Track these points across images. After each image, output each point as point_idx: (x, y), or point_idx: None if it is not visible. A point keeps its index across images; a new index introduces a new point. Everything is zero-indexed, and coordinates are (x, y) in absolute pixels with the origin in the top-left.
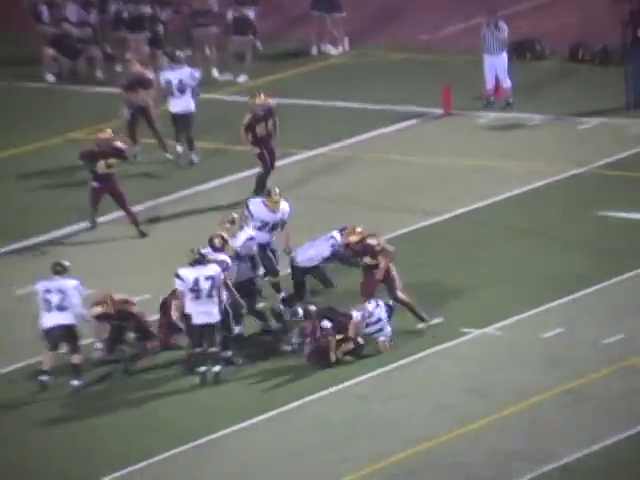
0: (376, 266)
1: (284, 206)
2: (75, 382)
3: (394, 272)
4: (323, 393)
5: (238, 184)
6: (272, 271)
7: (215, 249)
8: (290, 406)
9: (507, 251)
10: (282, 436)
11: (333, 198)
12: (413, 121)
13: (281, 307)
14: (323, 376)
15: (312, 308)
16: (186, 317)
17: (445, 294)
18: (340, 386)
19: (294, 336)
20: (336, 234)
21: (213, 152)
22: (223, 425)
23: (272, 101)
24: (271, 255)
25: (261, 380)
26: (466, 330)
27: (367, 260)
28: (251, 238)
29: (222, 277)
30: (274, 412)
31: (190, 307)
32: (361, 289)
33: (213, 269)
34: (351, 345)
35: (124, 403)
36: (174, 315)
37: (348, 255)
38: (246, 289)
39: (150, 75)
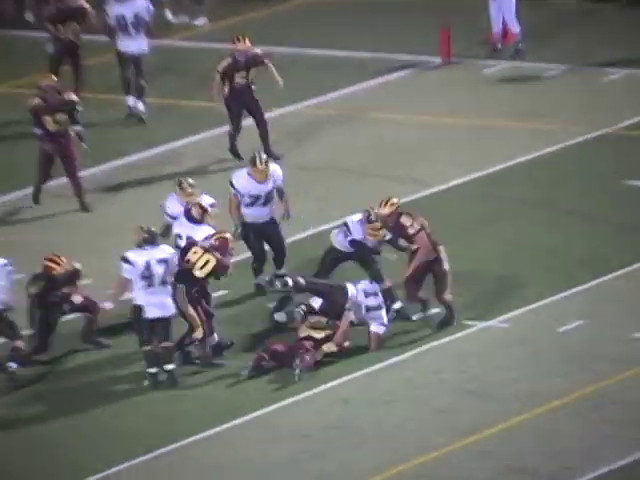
0: (417, 252)
1: (274, 171)
2: (13, 365)
3: (446, 266)
4: (301, 396)
5: (201, 146)
6: (259, 258)
7: (194, 221)
8: (264, 411)
9: (517, 228)
10: (254, 445)
11: (310, 165)
12: (405, 72)
13: (267, 279)
14: (302, 376)
15: (301, 280)
16: (135, 309)
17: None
18: (322, 387)
19: (247, 369)
20: (350, 220)
21: (167, 108)
22: (189, 432)
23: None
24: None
25: (232, 382)
26: (468, 323)
27: (403, 244)
28: (213, 205)
29: (176, 260)
30: (245, 418)
31: (141, 298)
32: (405, 283)
33: (166, 251)
34: (334, 349)
35: (81, 407)
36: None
37: (369, 245)
38: None
39: (86, 4)
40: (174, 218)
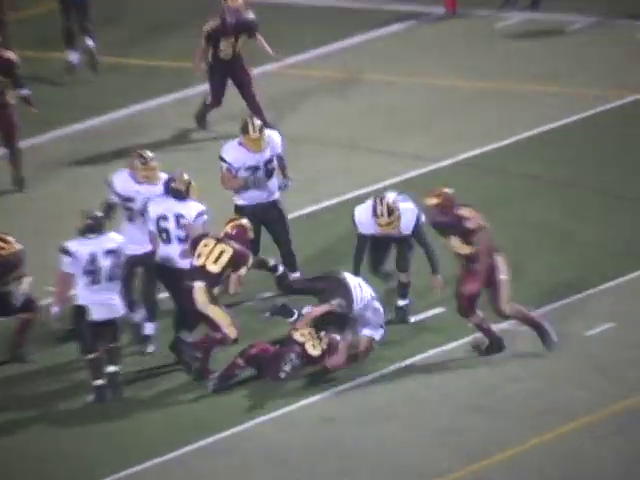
0: (474, 259)
1: (271, 137)
2: None
3: (503, 275)
4: (277, 413)
5: (160, 113)
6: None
7: (179, 197)
8: (234, 430)
9: (536, 211)
10: (221, 472)
11: (290, 136)
12: (402, 25)
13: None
14: (278, 390)
15: (289, 277)
16: (77, 310)
17: (447, 274)
18: (301, 403)
19: (213, 380)
20: (357, 210)
21: (119, 67)
22: (143, 457)
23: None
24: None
25: (195, 397)
26: None
27: (455, 244)
28: None
29: (125, 250)
30: (213, 438)
31: (84, 297)
32: (457, 298)
33: (114, 240)
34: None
35: (16, 428)
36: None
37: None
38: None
39: None
40: (127, 200)
